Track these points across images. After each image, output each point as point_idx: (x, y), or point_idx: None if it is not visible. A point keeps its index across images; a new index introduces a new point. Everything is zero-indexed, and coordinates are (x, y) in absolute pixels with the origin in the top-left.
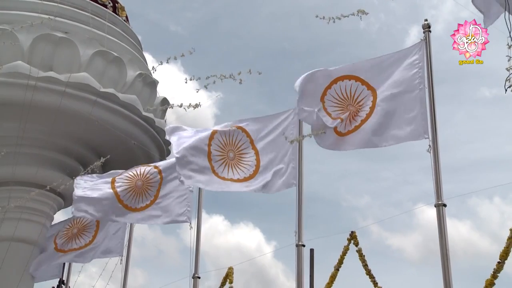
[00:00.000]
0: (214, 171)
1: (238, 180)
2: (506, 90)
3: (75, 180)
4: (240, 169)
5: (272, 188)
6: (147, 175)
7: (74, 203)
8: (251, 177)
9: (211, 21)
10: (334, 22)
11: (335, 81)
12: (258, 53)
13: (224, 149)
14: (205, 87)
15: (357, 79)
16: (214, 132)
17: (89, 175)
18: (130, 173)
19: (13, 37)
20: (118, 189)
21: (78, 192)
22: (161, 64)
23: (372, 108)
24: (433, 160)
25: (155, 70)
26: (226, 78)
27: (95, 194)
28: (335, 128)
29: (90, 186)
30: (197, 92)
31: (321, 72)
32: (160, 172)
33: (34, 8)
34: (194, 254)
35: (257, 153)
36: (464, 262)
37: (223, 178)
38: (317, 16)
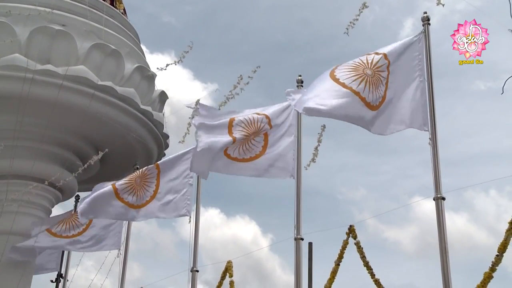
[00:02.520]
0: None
1: (244, 160)
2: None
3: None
4: (247, 149)
5: (273, 174)
6: (145, 171)
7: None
8: (257, 156)
9: (210, 14)
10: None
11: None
12: (256, 46)
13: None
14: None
15: (384, 55)
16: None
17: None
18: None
19: (10, 30)
20: (118, 188)
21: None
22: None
23: (386, 86)
24: (432, 153)
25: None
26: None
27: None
28: (362, 97)
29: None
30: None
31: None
32: (157, 166)
33: (32, 1)
34: (192, 248)
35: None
36: (461, 254)
37: (234, 159)
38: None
